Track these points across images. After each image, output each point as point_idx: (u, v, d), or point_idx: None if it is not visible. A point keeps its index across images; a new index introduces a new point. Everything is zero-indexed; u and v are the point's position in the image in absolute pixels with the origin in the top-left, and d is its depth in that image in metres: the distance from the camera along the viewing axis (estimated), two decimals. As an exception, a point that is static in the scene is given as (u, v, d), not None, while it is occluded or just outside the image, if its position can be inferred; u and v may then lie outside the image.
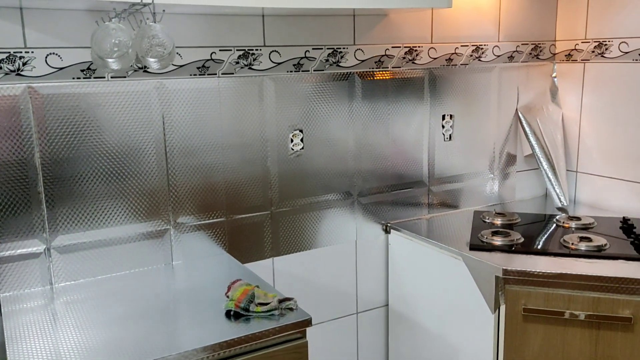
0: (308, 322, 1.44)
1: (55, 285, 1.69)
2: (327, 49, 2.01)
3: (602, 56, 2.35)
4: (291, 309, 1.48)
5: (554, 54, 2.54)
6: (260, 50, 1.90)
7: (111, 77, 1.68)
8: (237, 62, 1.86)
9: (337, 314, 2.21)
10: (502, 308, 1.78)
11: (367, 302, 2.27)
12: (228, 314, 1.46)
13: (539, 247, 1.91)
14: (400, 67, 2.17)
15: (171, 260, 1.85)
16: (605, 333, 1.70)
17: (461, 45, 2.29)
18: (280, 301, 1.48)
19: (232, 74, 1.86)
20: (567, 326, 1.72)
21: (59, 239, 1.67)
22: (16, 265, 1.63)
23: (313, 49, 1.99)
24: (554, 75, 2.56)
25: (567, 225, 2.13)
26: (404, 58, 2.17)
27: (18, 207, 1.61)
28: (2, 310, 1.54)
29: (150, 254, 1.82)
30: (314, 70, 2.00)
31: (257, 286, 1.55)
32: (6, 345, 1.34)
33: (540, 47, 2.49)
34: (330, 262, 2.16)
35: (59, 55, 1.60)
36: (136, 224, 1.78)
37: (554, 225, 2.15)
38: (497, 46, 2.37)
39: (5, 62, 1.54)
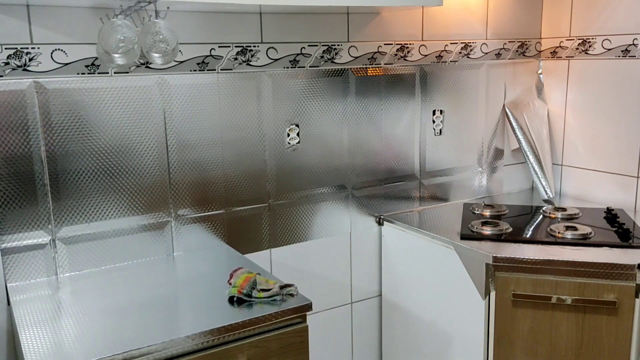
0: (308, 307, 1.49)
1: (60, 276, 1.73)
2: (322, 45, 2.07)
3: (586, 53, 2.42)
4: (292, 295, 1.53)
5: (540, 51, 2.61)
6: (258, 47, 1.95)
7: (114, 73, 1.72)
8: (236, 59, 1.91)
9: (332, 303, 2.26)
10: (492, 294, 1.85)
11: (361, 292, 2.33)
12: (231, 300, 1.51)
13: (527, 236, 1.98)
14: (392, 64, 2.23)
15: (172, 252, 1.90)
16: (591, 317, 1.77)
17: (450, 43, 2.36)
18: (282, 287, 1.53)
19: (231, 69, 1.91)
20: (554, 310, 1.79)
21: (64, 231, 1.72)
22: (23, 256, 1.67)
23: (309, 45, 2.04)
24: (539, 71, 2.63)
25: (553, 215, 2.20)
26: (396, 55, 2.24)
27: (24, 199, 1.65)
28: (11, 299, 1.57)
29: (152, 245, 1.86)
30: (310, 67, 2.06)
31: (259, 274, 1.60)
32: (18, 332, 1.39)
33: (526, 44, 2.56)
34: (326, 254, 2.21)
35: (64, 51, 1.64)
36: (138, 216, 1.82)
37: (541, 216, 2.22)
38: (485, 44, 2.44)
39: (13, 57, 1.58)
